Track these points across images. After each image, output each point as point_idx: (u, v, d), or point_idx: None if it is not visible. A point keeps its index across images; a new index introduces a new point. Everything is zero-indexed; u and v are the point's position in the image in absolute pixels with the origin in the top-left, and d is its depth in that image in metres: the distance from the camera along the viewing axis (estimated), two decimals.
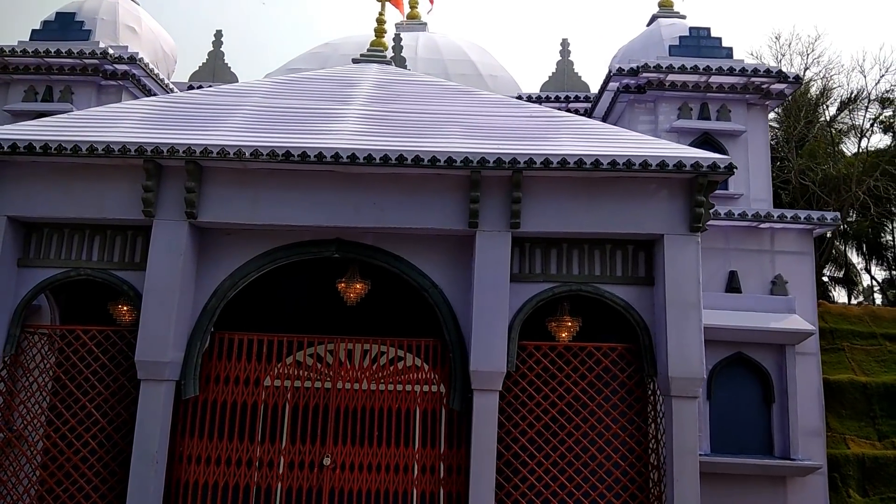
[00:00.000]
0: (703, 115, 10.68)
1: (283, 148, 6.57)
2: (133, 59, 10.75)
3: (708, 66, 10.44)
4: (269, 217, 6.85)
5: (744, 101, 10.81)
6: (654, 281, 6.98)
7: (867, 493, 11.28)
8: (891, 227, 24.82)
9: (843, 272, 24.82)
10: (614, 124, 10.12)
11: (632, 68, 10.60)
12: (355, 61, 9.88)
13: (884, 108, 22.78)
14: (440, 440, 7.20)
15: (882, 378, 12.84)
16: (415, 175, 6.80)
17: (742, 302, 9.55)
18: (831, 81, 22.54)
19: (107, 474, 6.84)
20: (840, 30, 38.60)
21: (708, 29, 11.17)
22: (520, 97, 12.15)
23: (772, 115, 17.95)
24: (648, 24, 12.40)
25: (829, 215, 10.17)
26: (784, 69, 11.02)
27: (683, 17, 12.06)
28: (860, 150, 21.96)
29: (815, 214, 10.23)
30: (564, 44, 13.50)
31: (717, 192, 9.34)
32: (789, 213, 10.18)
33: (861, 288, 26.30)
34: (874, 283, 26.10)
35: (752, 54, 22.73)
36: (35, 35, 11.12)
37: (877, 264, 25.87)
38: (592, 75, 18.12)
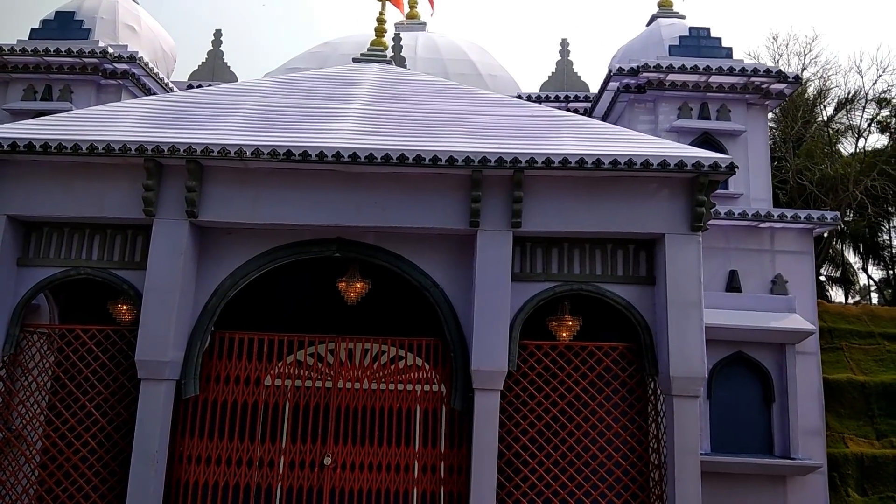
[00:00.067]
0: (703, 115, 10.70)
1: (285, 147, 6.56)
2: (133, 59, 10.72)
3: (708, 66, 10.45)
4: (269, 216, 6.84)
5: (744, 100, 10.83)
6: (656, 280, 6.98)
7: (866, 492, 11.30)
8: (888, 227, 24.90)
9: (839, 272, 24.89)
10: (614, 124, 10.12)
11: (632, 68, 10.61)
12: (356, 60, 9.87)
13: (881, 108, 22.85)
14: (441, 440, 7.20)
15: (880, 377, 12.87)
16: (416, 174, 6.79)
17: (742, 301, 9.56)
18: (828, 82, 22.62)
19: (106, 474, 6.82)
20: (837, 30, 38.70)
21: (708, 29, 11.19)
22: (519, 97, 12.16)
23: (769, 115, 17.99)
24: (648, 24, 12.41)
25: (829, 215, 10.20)
26: (782, 69, 11.03)
27: (683, 17, 12.08)
28: (857, 150, 22.03)
29: (816, 214, 10.25)
30: (564, 44, 13.52)
31: (717, 191, 9.36)
32: (789, 213, 10.20)
33: (857, 287, 26.38)
34: (871, 282, 26.19)
35: (749, 54, 22.78)
36: (34, 34, 11.09)
37: (874, 264, 25.96)
38: (592, 75, 18.14)
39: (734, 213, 9.97)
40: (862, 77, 27.52)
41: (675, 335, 6.61)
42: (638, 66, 10.53)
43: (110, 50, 10.70)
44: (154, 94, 11.43)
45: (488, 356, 6.60)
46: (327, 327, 7.43)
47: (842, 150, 23.12)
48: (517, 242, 6.93)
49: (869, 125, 22.57)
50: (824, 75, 22.36)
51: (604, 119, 11.50)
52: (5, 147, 6.63)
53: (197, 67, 13.14)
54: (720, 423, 9.27)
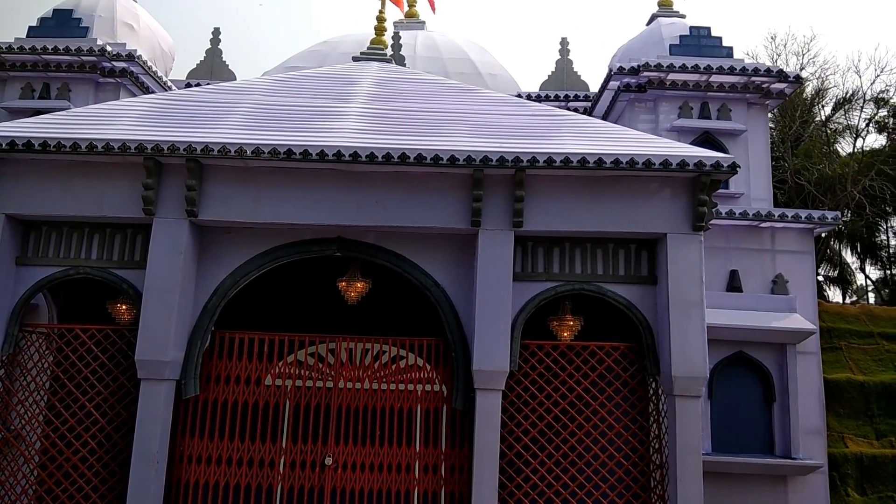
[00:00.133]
0: (704, 115, 10.70)
1: (285, 146, 6.53)
2: (131, 57, 10.67)
3: (709, 66, 10.45)
4: (270, 215, 6.81)
5: (744, 100, 10.83)
6: (657, 280, 6.96)
7: (865, 491, 11.31)
8: (885, 227, 24.96)
9: (837, 272, 24.93)
10: (614, 123, 10.10)
11: (632, 67, 10.59)
12: (356, 59, 9.84)
13: (879, 108, 22.90)
14: (442, 440, 7.18)
15: (879, 377, 12.88)
16: (417, 173, 6.77)
17: (743, 301, 9.56)
18: (826, 81, 22.66)
19: (106, 474, 6.79)
20: (835, 30, 38.76)
21: (708, 28, 11.18)
22: (519, 96, 12.14)
23: (768, 115, 17.99)
24: (648, 24, 12.40)
25: (830, 215, 10.20)
26: (783, 69, 11.02)
27: (683, 16, 12.07)
28: (855, 150, 22.06)
29: (816, 214, 10.26)
30: (564, 43, 13.50)
31: (717, 191, 9.33)
32: (790, 213, 10.20)
33: (854, 287, 26.44)
34: (869, 282, 26.24)
35: (748, 54, 22.80)
36: (32, 32, 11.03)
37: (871, 264, 26.01)
38: (592, 75, 18.13)
39: (735, 213, 9.96)
40: (860, 77, 27.57)
41: (676, 335, 6.60)
42: (638, 66, 10.52)
43: (108, 48, 10.65)
44: (152, 92, 11.38)
45: (490, 356, 6.58)
46: (328, 327, 7.40)
47: (839, 149, 23.17)
48: (518, 242, 6.91)
49: (867, 125, 22.62)
50: (822, 75, 22.42)
51: (604, 118, 11.49)
52: (4, 146, 6.59)
53: (195, 66, 13.10)
54: (721, 422, 9.26)
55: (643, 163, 6.54)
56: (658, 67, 10.46)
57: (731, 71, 10.42)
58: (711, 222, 8.25)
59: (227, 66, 13.07)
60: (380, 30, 9.99)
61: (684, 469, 6.44)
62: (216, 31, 13.41)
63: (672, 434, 6.57)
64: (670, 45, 11.05)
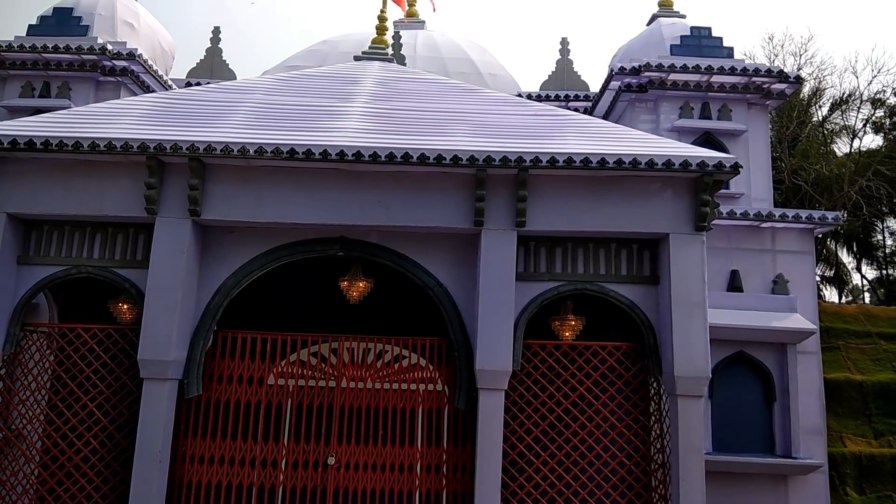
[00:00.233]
0: (705, 115, 10.72)
1: (288, 145, 6.52)
2: (132, 55, 10.64)
3: (710, 66, 10.47)
4: (272, 215, 6.80)
5: (745, 100, 10.86)
6: (660, 280, 6.98)
7: (864, 491, 11.35)
8: (881, 227, 25.07)
9: (833, 271, 25.02)
10: (615, 123, 10.11)
11: (633, 67, 10.60)
12: (357, 59, 9.82)
13: (876, 108, 22.99)
14: (444, 439, 7.18)
15: (878, 377, 12.94)
16: (420, 173, 6.77)
17: (744, 301, 9.58)
18: (824, 82, 22.74)
19: (108, 474, 6.78)
20: (833, 31, 38.87)
21: (709, 28, 11.20)
22: (519, 95, 12.13)
23: None
24: (648, 24, 12.42)
25: (830, 215, 10.24)
26: (783, 69, 11.05)
27: (683, 16, 12.09)
28: (852, 151, 22.14)
29: (817, 214, 10.29)
30: (564, 43, 13.50)
31: (719, 191, 9.37)
32: (790, 213, 10.23)
33: (850, 287, 26.55)
34: (865, 282, 26.35)
35: (745, 54, 22.86)
36: (32, 30, 10.99)
37: (867, 264, 26.13)
38: (592, 74, 18.17)
39: (736, 213, 9.99)
40: (857, 78, 27.70)
41: (679, 335, 6.61)
42: (639, 66, 10.53)
43: (109, 47, 10.61)
44: (153, 91, 11.35)
45: (492, 356, 6.58)
46: (330, 327, 7.40)
47: (836, 150, 23.26)
48: (521, 242, 6.92)
49: (864, 126, 22.71)
50: (819, 75, 22.50)
51: (604, 118, 11.50)
52: (5, 144, 6.56)
53: (195, 65, 13.07)
54: (722, 422, 9.29)
55: (646, 163, 6.55)
56: (659, 67, 10.48)
57: (732, 71, 10.44)
58: (713, 222, 8.28)
59: (227, 65, 13.05)
60: (381, 29, 9.97)
61: (687, 469, 6.46)
62: (216, 31, 13.38)
63: (674, 434, 6.58)
64: (671, 46, 11.07)
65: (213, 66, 12.94)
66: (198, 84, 12.46)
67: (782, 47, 22.97)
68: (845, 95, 22.56)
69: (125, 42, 10.93)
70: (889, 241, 25.65)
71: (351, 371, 7.26)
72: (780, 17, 40.50)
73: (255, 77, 9.74)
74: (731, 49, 11.01)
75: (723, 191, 10.30)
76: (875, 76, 22.93)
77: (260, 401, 7.17)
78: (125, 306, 7.26)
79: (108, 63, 10.82)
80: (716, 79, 10.59)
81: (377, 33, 10.01)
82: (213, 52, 13.17)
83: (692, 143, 10.07)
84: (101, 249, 7.00)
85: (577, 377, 7.02)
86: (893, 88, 22.73)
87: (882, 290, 25.36)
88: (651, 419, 7.15)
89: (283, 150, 6.50)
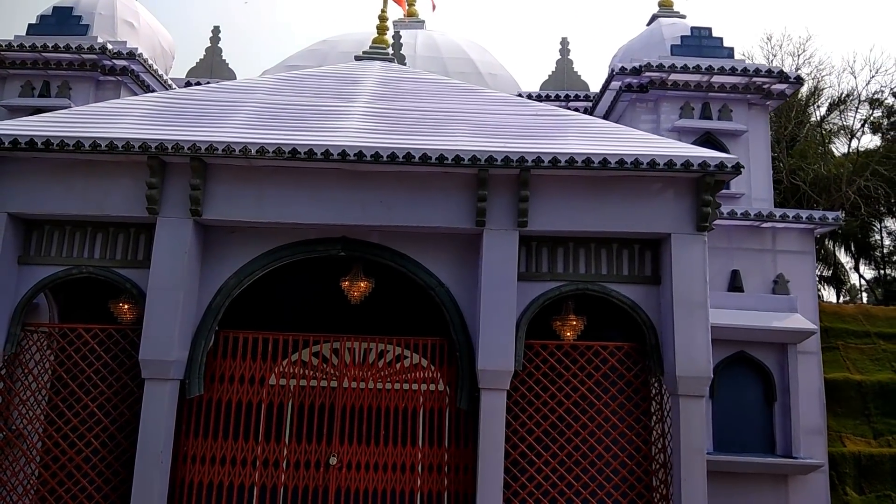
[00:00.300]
0: (705, 115, 10.73)
1: (290, 145, 6.51)
2: (132, 55, 10.61)
3: (710, 66, 10.48)
4: (274, 215, 6.80)
5: (745, 100, 10.87)
6: (661, 280, 6.98)
7: (863, 490, 11.37)
8: (879, 227, 25.11)
9: (831, 271, 25.06)
10: (616, 123, 10.12)
11: (634, 67, 10.61)
12: (358, 58, 9.81)
13: (874, 109, 23.03)
14: (446, 439, 7.18)
15: (876, 376, 12.97)
16: (422, 173, 6.76)
17: (744, 301, 9.60)
18: (822, 82, 22.77)
19: (110, 474, 6.77)
20: (831, 31, 38.94)
21: (709, 29, 11.21)
22: (520, 95, 12.14)
23: None
24: (649, 24, 12.42)
25: (831, 215, 10.26)
26: (784, 70, 11.06)
27: (683, 16, 12.10)
28: (850, 151, 22.18)
29: (817, 214, 10.31)
30: (564, 43, 13.51)
31: (720, 191, 9.39)
32: (791, 213, 10.25)
33: (848, 286, 26.61)
34: (863, 282, 26.39)
35: (744, 54, 22.89)
36: (32, 30, 10.96)
37: (865, 263, 26.17)
38: (592, 75, 18.18)
39: (736, 213, 10.01)
40: (855, 78, 27.76)
41: (681, 335, 6.62)
42: (640, 66, 10.54)
43: (109, 46, 10.58)
44: (153, 91, 11.33)
45: (495, 356, 6.58)
46: (331, 327, 7.39)
47: (834, 150, 23.29)
48: (523, 242, 6.92)
49: (862, 126, 22.74)
50: (818, 76, 22.53)
51: (605, 118, 11.50)
52: (6, 144, 6.55)
53: (195, 64, 13.06)
54: (722, 422, 9.30)
55: (648, 163, 6.55)
56: (660, 68, 10.49)
57: (733, 72, 10.45)
58: (713, 223, 8.29)
59: (227, 64, 13.04)
60: (382, 29, 9.96)
61: (689, 468, 6.46)
62: (216, 30, 13.37)
63: (676, 434, 6.59)
64: (671, 46, 11.08)
65: (212, 66, 12.92)
66: (197, 84, 12.45)
67: (780, 47, 23.01)
68: (843, 96, 22.61)
69: (125, 41, 10.90)
70: (887, 241, 25.71)
71: (352, 371, 7.26)
72: (779, 18, 40.59)
73: (256, 77, 9.74)
74: (732, 49, 11.02)
75: (723, 191, 10.29)
76: (873, 76, 23.01)
77: (261, 401, 7.17)
78: (126, 306, 7.24)
79: (109, 62, 10.79)
80: (716, 79, 10.60)
81: (378, 33, 10.00)
82: (213, 51, 13.16)
83: (693, 144, 10.07)
84: (102, 249, 6.99)
85: (579, 377, 7.02)
86: (891, 89, 22.80)
87: (880, 290, 25.43)
88: (652, 419, 7.16)
89: (285, 149, 6.50)
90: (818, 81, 22.58)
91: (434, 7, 15.92)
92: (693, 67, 10.44)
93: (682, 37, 11.16)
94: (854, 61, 32.78)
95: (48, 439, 6.87)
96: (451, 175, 6.77)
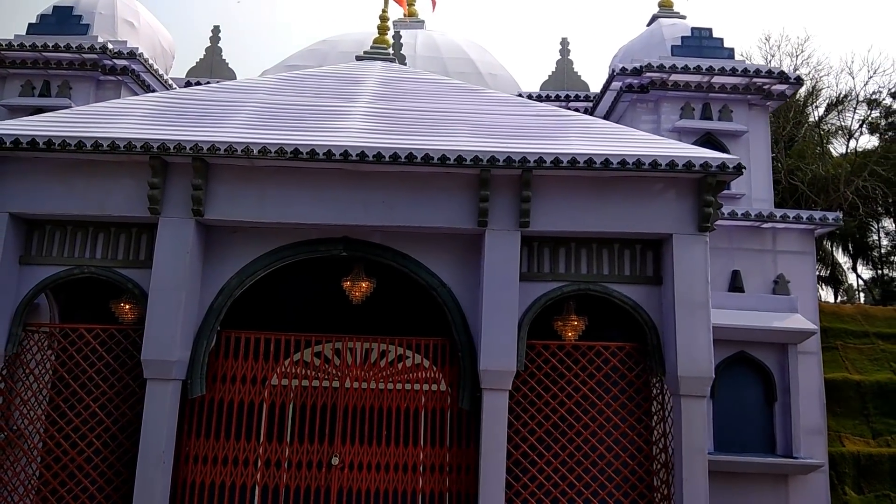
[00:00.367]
0: (706, 116, 10.75)
1: (292, 145, 6.51)
2: (133, 55, 10.59)
3: (711, 67, 10.50)
4: (276, 215, 6.79)
5: (745, 101, 10.89)
6: (663, 280, 7.00)
7: (862, 490, 11.41)
8: (877, 227, 25.18)
9: (829, 271, 25.13)
10: (616, 124, 10.13)
11: (635, 68, 10.62)
12: (359, 58, 9.81)
13: (871, 109, 23.08)
14: (447, 439, 7.18)
15: (875, 377, 13.01)
16: (424, 173, 6.77)
17: (745, 301, 9.62)
18: (820, 82, 22.81)
19: (112, 475, 6.76)
20: (829, 32, 39.01)
21: (710, 29, 11.22)
22: (520, 96, 12.15)
23: None
24: (649, 24, 12.43)
25: (831, 215, 10.28)
26: (784, 70, 11.08)
27: (684, 17, 12.11)
28: (848, 151, 22.23)
29: (817, 215, 10.33)
30: (564, 43, 13.53)
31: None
32: (791, 214, 10.27)
33: (845, 286, 26.68)
34: (860, 282, 26.46)
35: (742, 55, 22.92)
36: (32, 29, 10.93)
37: (863, 264, 26.24)
38: (592, 75, 18.21)
39: (737, 214, 10.03)
40: (853, 78, 27.75)
41: (682, 335, 6.63)
42: (641, 66, 10.55)
43: (110, 46, 10.56)
44: (154, 90, 11.32)
45: (497, 356, 6.59)
46: (333, 327, 7.39)
47: (832, 150, 23.34)
48: (525, 242, 6.92)
49: (860, 126, 22.79)
50: (816, 76, 22.57)
51: (605, 119, 11.50)
52: (8, 144, 6.54)
53: (195, 64, 13.05)
54: (723, 422, 9.31)
55: (649, 163, 6.56)
56: (661, 68, 10.50)
57: (733, 72, 10.46)
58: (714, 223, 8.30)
59: (227, 64, 13.04)
60: (383, 29, 9.96)
61: (690, 468, 6.48)
62: (216, 30, 13.36)
63: (678, 434, 6.60)
64: (672, 46, 11.09)
65: (212, 66, 12.92)
66: (198, 83, 12.44)
67: (779, 48, 23.06)
68: (841, 96, 22.66)
69: (125, 41, 10.87)
70: (885, 242, 25.79)
71: (354, 371, 7.26)
72: (777, 18, 40.65)
73: (257, 77, 9.74)
74: (732, 50, 11.04)
75: (724, 191, 10.29)
76: (871, 77, 23.04)
77: (263, 401, 7.17)
78: (127, 306, 7.25)
79: (109, 62, 10.77)
80: (717, 79, 10.61)
81: (379, 33, 10.00)
82: (213, 51, 13.15)
83: (693, 144, 10.07)
84: (103, 249, 6.99)
85: (581, 377, 7.03)
86: (889, 89, 22.87)
87: (878, 290, 25.50)
88: (653, 419, 7.17)
89: (287, 149, 6.50)
90: (816, 82, 22.63)
91: (434, 6, 15.90)
92: (694, 68, 10.45)
93: (682, 37, 11.17)
94: (852, 62, 32.92)
95: (50, 439, 6.86)
96: (453, 175, 6.77)
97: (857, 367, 13.27)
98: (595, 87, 12.77)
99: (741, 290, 10.06)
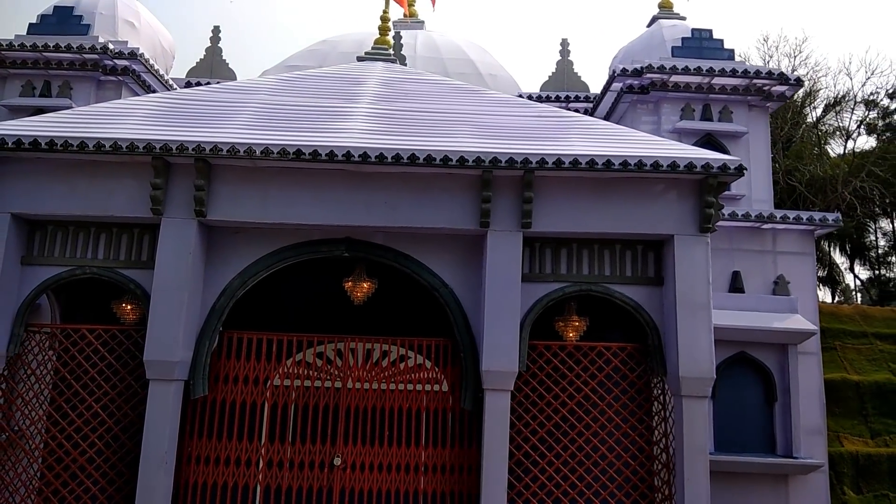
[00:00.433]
0: (706, 117, 10.76)
1: (294, 146, 6.52)
2: (133, 55, 10.57)
3: (711, 68, 10.51)
4: (278, 215, 6.80)
5: (745, 102, 10.90)
6: (664, 281, 7.02)
7: (861, 490, 11.44)
8: (874, 228, 25.26)
9: (826, 272, 25.20)
10: (616, 124, 10.14)
11: (635, 69, 10.64)
12: (360, 59, 9.82)
13: (869, 110, 23.15)
14: (449, 440, 7.19)
15: (874, 377, 13.05)
16: (426, 174, 6.78)
17: (745, 302, 9.64)
18: (817, 83, 22.86)
19: (114, 475, 6.76)
20: (827, 33, 39.10)
21: (710, 31, 11.23)
22: (520, 96, 12.16)
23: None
24: (649, 25, 12.43)
25: (831, 216, 10.31)
26: (784, 71, 11.10)
27: (684, 18, 12.12)
28: (846, 152, 22.28)
29: (817, 216, 10.36)
30: (564, 44, 13.54)
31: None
32: (791, 214, 10.30)
33: (842, 287, 26.76)
34: (858, 282, 26.54)
35: (740, 56, 22.97)
36: (32, 29, 10.90)
37: (860, 264, 26.32)
38: (592, 76, 18.26)
39: (737, 215, 10.05)
40: (851, 79, 27.87)
41: (684, 336, 6.65)
42: (641, 67, 10.56)
43: (110, 46, 10.54)
44: (154, 91, 11.31)
45: (499, 357, 6.60)
46: (335, 327, 7.40)
47: (830, 151, 23.40)
48: (526, 243, 6.94)
49: (857, 127, 22.86)
50: (814, 77, 22.62)
51: (605, 119, 11.50)
52: (10, 144, 6.54)
53: (195, 64, 13.04)
54: (723, 422, 9.32)
55: (651, 164, 6.59)
56: (661, 69, 10.51)
57: (733, 73, 10.48)
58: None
59: (227, 64, 13.03)
60: (384, 30, 9.96)
61: (692, 469, 6.50)
62: (216, 30, 13.36)
63: (679, 434, 6.62)
64: (672, 48, 11.10)
65: (212, 66, 12.91)
66: (198, 84, 12.44)
67: (777, 48, 23.11)
68: (839, 97, 22.72)
69: (126, 41, 10.85)
70: (882, 242, 25.87)
71: (356, 372, 7.27)
72: (775, 19, 40.72)
73: (256, 77, 9.72)
74: (732, 51, 11.05)
75: (724, 192, 10.32)
76: (868, 78, 23.07)
77: (265, 401, 7.17)
78: (128, 307, 7.25)
79: (110, 62, 10.75)
80: (717, 81, 10.63)
81: (380, 34, 10.00)
82: (213, 51, 13.14)
83: (693, 145, 10.11)
84: (105, 250, 6.98)
85: (582, 378, 7.05)
86: (887, 90, 22.94)
87: (875, 291, 25.57)
88: (655, 420, 7.19)
89: (290, 150, 6.50)
90: (814, 83, 22.68)
91: (434, 7, 15.91)
92: (694, 69, 10.47)
93: (682, 38, 11.19)
94: (850, 63, 32.90)
95: (52, 440, 6.86)
96: (456, 176, 6.79)
97: (856, 367, 13.31)
98: (595, 88, 12.79)
99: (741, 290, 10.09)
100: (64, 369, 6.99)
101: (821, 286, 25.54)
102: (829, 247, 24.82)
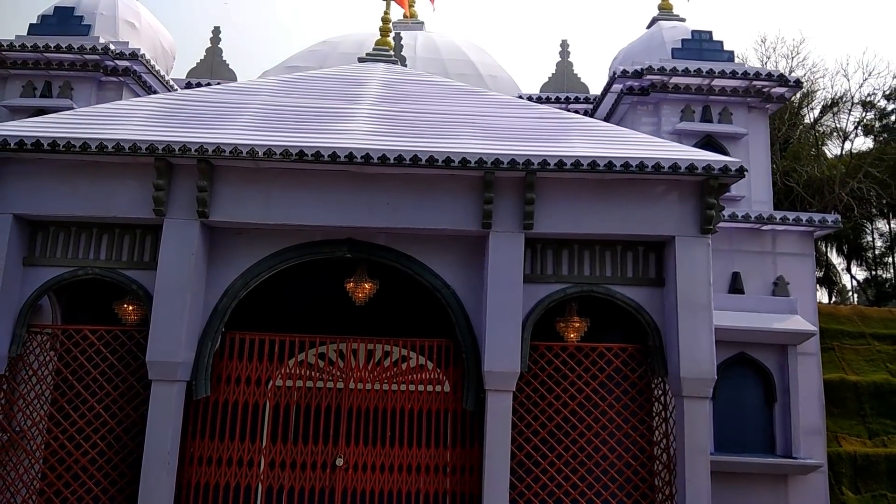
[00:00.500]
0: (706, 118, 10.79)
1: (297, 147, 6.53)
2: (134, 55, 10.57)
3: (711, 70, 10.54)
4: (280, 216, 6.81)
5: (745, 104, 10.94)
6: (665, 282, 7.04)
7: (859, 490, 11.49)
8: (871, 229, 25.35)
9: (823, 272, 25.29)
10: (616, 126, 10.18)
11: (635, 70, 10.67)
12: (361, 60, 9.84)
13: (866, 111, 23.23)
14: (451, 440, 7.21)
15: (872, 377, 13.09)
16: (428, 175, 6.80)
17: (745, 303, 9.67)
18: (815, 84, 22.94)
19: (116, 476, 6.77)
20: (825, 34, 39.21)
21: (710, 32, 11.27)
22: (520, 97, 12.18)
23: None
24: (648, 27, 12.46)
25: (830, 217, 10.35)
26: (783, 73, 11.15)
27: (683, 19, 12.15)
28: (843, 153, 22.36)
29: (817, 217, 10.40)
30: (564, 45, 13.56)
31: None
32: (791, 216, 10.33)
33: (839, 287, 26.85)
34: (854, 283, 26.63)
35: (739, 57, 23.00)
36: (33, 30, 10.89)
37: (857, 265, 26.42)
38: (592, 77, 18.30)
39: (737, 216, 10.09)
40: (848, 80, 27.88)
41: (685, 337, 6.67)
42: (641, 69, 10.60)
43: (111, 46, 10.53)
44: (155, 91, 11.30)
45: (501, 357, 6.62)
46: (337, 328, 7.42)
47: (827, 152, 23.48)
48: (528, 244, 6.96)
49: (855, 128, 22.94)
50: (811, 78, 22.69)
51: (606, 121, 11.53)
52: (12, 145, 6.55)
53: (196, 65, 13.04)
54: (723, 422, 9.35)
55: (652, 166, 6.61)
56: (661, 71, 10.55)
57: (733, 75, 10.51)
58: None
59: (227, 65, 13.03)
60: (385, 31, 9.98)
61: (693, 469, 6.52)
62: (216, 30, 13.36)
63: (680, 435, 6.65)
64: (672, 49, 11.13)
65: (213, 66, 12.91)
66: (198, 84, 12.44)
67: (774, 49, 23.18)
68: (836, 98, 22.80)
69: (127, 42, 10.84)
70: (878, 243, 25.98)
71: (357, 372, 7.29)
72: (773, 20, 40.83)
73: (257, 77, 9.73)
74: (732, 53, 11.09)
75: (725, 194, 10.36)
76: (866, 79, 23.18)
77: (267, 402, 7.19)
78: (130, 307, 7.25)
79: (111, 63, 10.74)
80: (717, 82, 10.66)
81: (381, 35, 10.02)
82: (214, 52, 13.14)
83: (693, 146, 10.14)
84: (107, 250, 6.99)
85: (584, 378, 7.07)
86: (884, 91, 23.03)
87: (872, 291, 25.66)
88: (656, 420, 7.22)
89: (292, 151, 6.52)
90: (811, 84, 22.76)
91: (434, 7, 15.93)
92: (694, 71, 10.51)
93: (682, 40, 11.22)
94: (847, 64, 33.11)
95: (54, 441, 6.86)
96: (457, 177, 6.81)
97: (854, 367, 13.36)
98: (595, 89, 12.82)
99: (741, 291, 10.12)
100: (66, 370, 6.99)
101: (818, 287, 25.62)
102: (826, 247, 24.91)
